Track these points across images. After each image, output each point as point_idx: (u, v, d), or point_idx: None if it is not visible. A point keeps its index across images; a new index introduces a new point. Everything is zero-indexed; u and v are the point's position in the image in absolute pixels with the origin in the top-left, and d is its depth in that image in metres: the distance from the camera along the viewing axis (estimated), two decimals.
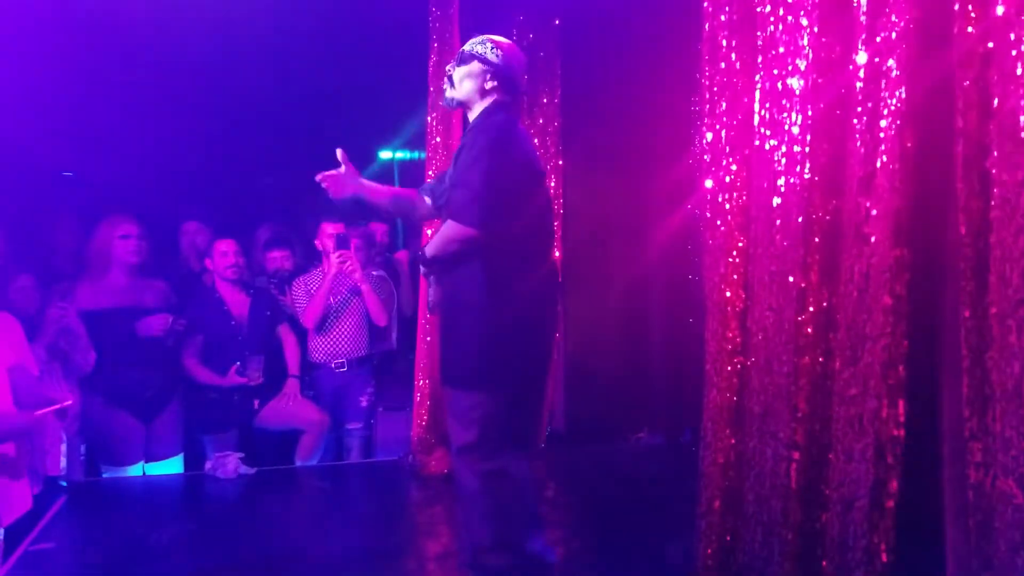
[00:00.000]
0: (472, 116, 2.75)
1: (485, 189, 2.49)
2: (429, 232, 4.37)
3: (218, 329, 4.34)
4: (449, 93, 2.76)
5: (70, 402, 3.30)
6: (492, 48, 2.69)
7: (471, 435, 2.61)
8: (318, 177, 2.81)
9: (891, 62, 1.70)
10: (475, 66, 2.69)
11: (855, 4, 1.84)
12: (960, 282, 1.50)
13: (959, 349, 1.50)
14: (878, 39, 1.74)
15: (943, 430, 1.61)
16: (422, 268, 2.75)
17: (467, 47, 2.73)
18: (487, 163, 2.50)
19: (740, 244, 2.39)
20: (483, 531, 2.65)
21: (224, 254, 4.36)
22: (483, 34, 2.78)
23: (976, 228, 1.49)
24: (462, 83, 2.72)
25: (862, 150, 1.79)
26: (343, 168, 2.83)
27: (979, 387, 1.47)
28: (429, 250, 2.64)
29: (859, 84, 1.80)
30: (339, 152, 2.81)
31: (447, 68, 2.80)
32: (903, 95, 1.67)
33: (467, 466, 2.65)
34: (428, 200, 2.98)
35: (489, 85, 2.69)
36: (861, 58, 1.79)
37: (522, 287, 2.61)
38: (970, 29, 1.49)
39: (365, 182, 2.88)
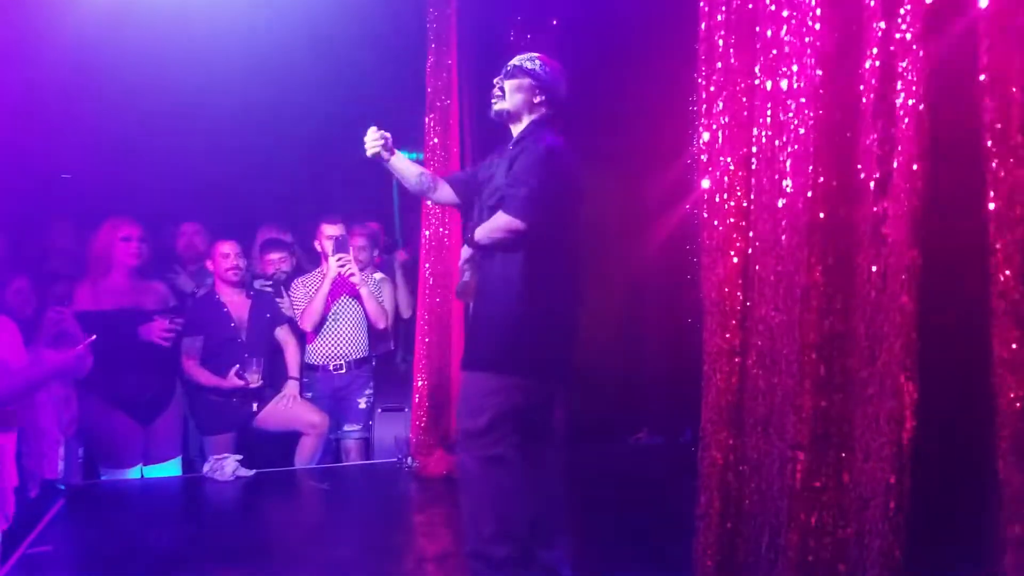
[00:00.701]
0: (518, 127, 2.93)
1: (540, 190, 2.67)
2: (427, 233, 4.37)
3: (218, 331, 4.33)
4: (499, 105, 2.92)
5: (94, 337, 3.38)
6: (541, 65, 2.88)
7: (480, 421, 2.69)
8: (373, 127, 2.97)
9: (906, 62, 1.69)
10: (525, 80, 2.88)
11: (864, 3, 1.83)
12: (991, 274, 1.48)
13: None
14: (892, 38, 1.73)
15: (997, 423, 1.58)
16: (464, 252, 2.91)
17: (516, 62, 2.91)
18: (545, 169, 2.70)
19: (738, 244, 2.38)
20: (484, 519, 2.70)
21: (225, 255, 4.34)
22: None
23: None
24: (513, 95, 2.89)
25: (877, 150, 1.78)
26: (389, 136, 3.00)
27: None
28: (478, 234, 2.81)
29: (871, 83, 1.79)
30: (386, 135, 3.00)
31: (495, 80, 2.95)
32: (921, 95, 1.66)
33: (470, 452, 2.73)
34: (449, 187, 3.13)
35: (538, 99, 2.89)
36: (873, 58, 1.78)
37: (554, 286, 2.77)
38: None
39: (399, 153, 3.06)
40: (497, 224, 2.73)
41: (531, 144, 2.78)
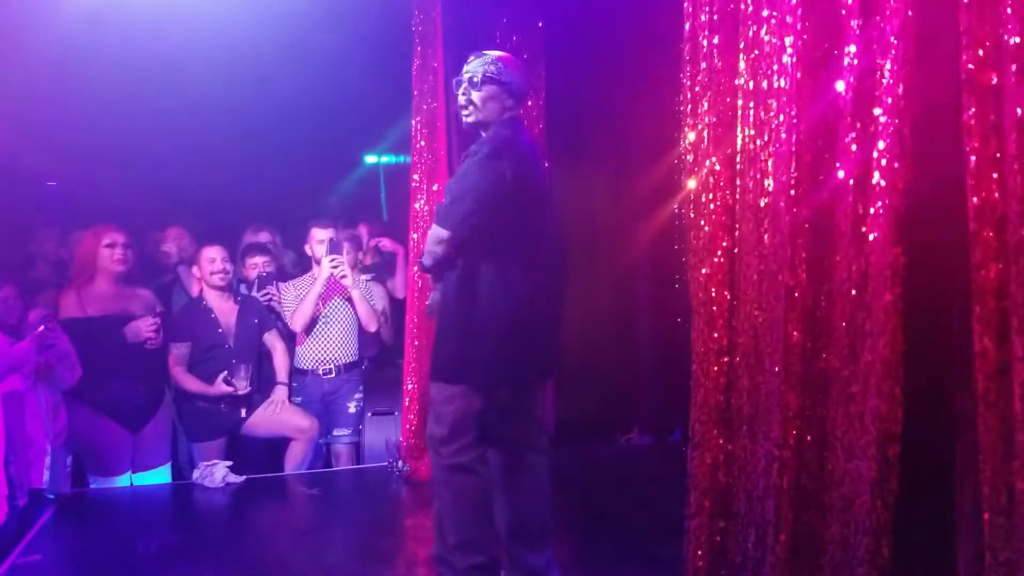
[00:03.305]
0: (487, 131, 2.82)
1: (466, 196, 2.63)
2: (415, 236, 4.37)
3: (206, 337, 4.30)
4: (473, 117, 2.81)
5: (41, 328, 3.50)
6: (504, 68, 2.78)
7: (442, 429, 2.73)
8: None
9: (886, 60, 1.69)
10: (494, 89, 2.77)
11: (843, 2, 1.84)
12: (973, 277, 1.48)
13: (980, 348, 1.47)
14: (871, 36, 1.74)
15: (956, 433, 1.59)
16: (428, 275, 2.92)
17: (481, 69, 2.77)
18: (476, 175, 2.65)
19: (724, 244, 2.39)
20: (448, 528, 2.74)
21: (212, 260, 4.32)
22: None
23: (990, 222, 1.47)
24: (486, 106, 2.78)
25: (856, 149, 1.79)
26: None
27: None
28: (423, 257, 2.80)
29: (851, 81, 1.79)
30: None
31: (460, 92, 2.82)
32: (901, 93, 1.67)
33: (436, 460, 2.77)
34: None
35: (509, 103, 2.82)
36: (851, 57, 1.79)
37: (506, 289, 2.68)
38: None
39: None
40: (428, 238, 2.74)
41: (475, 149, 2.72)
